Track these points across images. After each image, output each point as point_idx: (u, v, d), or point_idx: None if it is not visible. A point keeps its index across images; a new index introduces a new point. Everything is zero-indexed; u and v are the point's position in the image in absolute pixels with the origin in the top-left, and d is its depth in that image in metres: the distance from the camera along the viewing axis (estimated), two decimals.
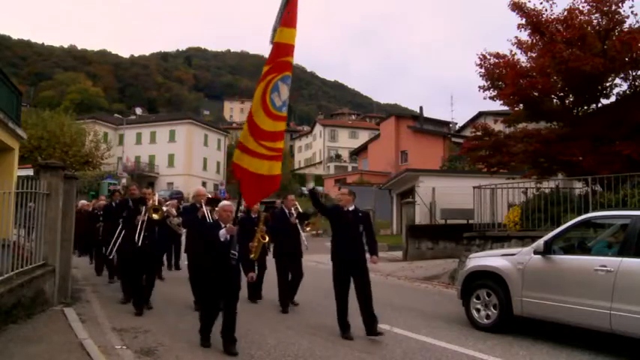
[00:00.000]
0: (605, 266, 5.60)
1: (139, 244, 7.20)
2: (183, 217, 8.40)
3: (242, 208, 10.70)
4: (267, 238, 8.09)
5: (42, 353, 5.09)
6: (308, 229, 8.03)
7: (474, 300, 6.97)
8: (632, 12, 11.13)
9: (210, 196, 8.49)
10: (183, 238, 10.93)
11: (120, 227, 8.07)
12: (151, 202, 7.49)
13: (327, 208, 6.97)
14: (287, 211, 8.13)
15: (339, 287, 6.29)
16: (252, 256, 7.76)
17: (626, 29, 11.04)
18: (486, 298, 6.82)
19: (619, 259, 5.57)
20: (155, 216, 7.30)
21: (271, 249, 8.67)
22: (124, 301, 7.87)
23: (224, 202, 5.79)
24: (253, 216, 8.31)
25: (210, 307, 5.56)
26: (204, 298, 5.50)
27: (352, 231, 6.38)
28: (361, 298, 6.21)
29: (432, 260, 15.12)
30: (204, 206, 7.72)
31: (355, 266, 6.29)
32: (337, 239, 6.53)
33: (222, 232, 5.37)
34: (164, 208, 7.85)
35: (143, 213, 7.37)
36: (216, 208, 5.44)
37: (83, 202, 14.12)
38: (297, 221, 8.04)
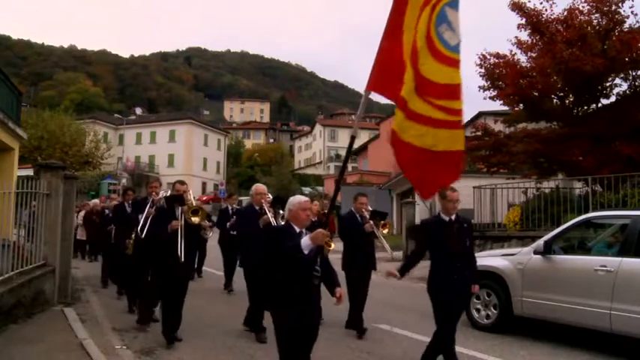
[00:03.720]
0: (605, 266, 5.60)
1: (182, 258, 5.54)
2: (237, 224, 6.94)
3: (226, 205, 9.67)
4: (332, 246, 6.56)
5: (42, 353, 5.09)
6: (385, 230, 6.52)
7: (474, 300, 6.97)
8: (632, 12, 11.17)
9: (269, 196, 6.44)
10: (212, 244, 10.12)
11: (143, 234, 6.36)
12: (189, 201, 5.83)
13: (426, 231, 5.05)
14: (358, 215, 6.50)
15: (448, 323, 4.86)
16: None
17: (626, 29, 11.07)
18: (486, 298, 6.82)
19: (619, 259, 5.57)
20: (195, 219, 5.66)
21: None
22: (142, 321, 6.36)
23: (299, 198, 3.91)
24: (312, 219, 7.03)
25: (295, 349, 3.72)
26: (288, 345, 3.68)
27: (460, 250, 4.77)
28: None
29: None
30: (267, 210, 5.97)
31: (461, 300, 4.87)
32: (438, 261, 4.82)
33: (306, 240, 3.48)
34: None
35: (180, 216, 5.68)
36: (288, 207, 3.82)
37: (95, 201, 13.26)
38: (373, 228, 6.37)
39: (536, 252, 6.36)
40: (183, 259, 5.53)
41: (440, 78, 3.38)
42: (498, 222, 11.31)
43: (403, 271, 4.99)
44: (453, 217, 4.83)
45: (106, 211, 10.61)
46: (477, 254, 8.14)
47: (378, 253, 6.90)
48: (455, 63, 3.44)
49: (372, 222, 6.38)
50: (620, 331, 5.46)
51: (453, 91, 3.44)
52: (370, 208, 6.64)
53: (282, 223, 5.30)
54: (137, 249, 6.79)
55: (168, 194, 6.33)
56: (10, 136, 11.62)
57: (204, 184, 55.80)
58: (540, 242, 6.37)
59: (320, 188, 43.40)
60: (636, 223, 5.68)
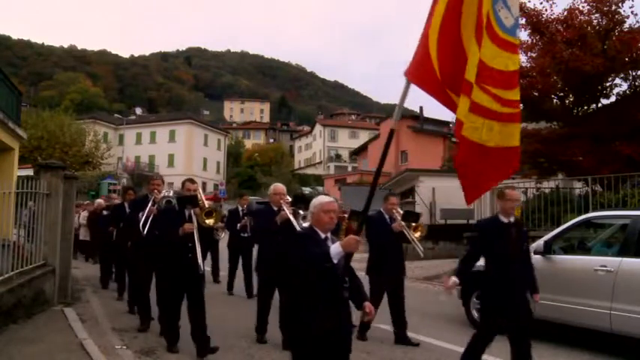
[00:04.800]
0: (605, 266, 5.60)
1: (202, 269, 5.19)
2: (256, 225, 6.51)
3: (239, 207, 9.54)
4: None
5: (42, 353, 5.09)
6: (417, 234, 6.14)
7: (474, 300, 6.97)
8: (632, 12, 11.17)
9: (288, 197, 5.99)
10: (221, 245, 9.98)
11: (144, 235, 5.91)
12: (201, 202, 5.35)
13: (482, 233, 4.63)
14: (387, 216, 6.19)
15: (483, 341, 4.59)
16: None
17: (626, 29, 11.07)
18: None
19: (619, 259, 5.57)
20: (209, 221, 5.24)
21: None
22: (143, 327, 6.18)
23: (321, 198, 3.42)
24: None
25: None
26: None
27: (517, 255, 4.35)
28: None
29: (432, 260, 15.12)
30: (287, 209, 5.61)
31: (518, 316, 4.36)
32: (494, 266, 4.42)
33: (336, 247, 3.09)
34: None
35: (189, 218, 5.24)
36: (310, 210, 3.39)
37: (99, 201, 12.69)
38: (403, 228, 6.04)
39: (536, 252, 6.34)
40: (202, 269, 5.13)
41: (496, 63, 2.95)
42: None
43: (461, 276, 4.60)
44: (512, 218, 4.45)
45: (104, 212, 10.22)
46: None
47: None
48: (510, 47, 3.03)
49: (402, 223, 6.03)
50: (620, 331, 5.46)
51: (508, 80, 3.01)
52: (401, 210, 6.32)
53: (303, 223, 5.02)
54: (136, 250, 6.45)
55: (170, 193, 6.05)
56: (10, 136, 11.63)
57: (204, 184, 55.71)
58: (540, 242, 6.36)
59: (320, 188, 43.38)
60: (636, 223, 5.68)
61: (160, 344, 5.55)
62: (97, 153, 41.78)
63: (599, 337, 5.80)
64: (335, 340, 3.18)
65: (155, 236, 5.68)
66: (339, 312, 3.20)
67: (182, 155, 55.83)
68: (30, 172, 13.50)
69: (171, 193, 6.05)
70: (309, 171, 66.03)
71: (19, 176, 9.55)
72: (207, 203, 5.43)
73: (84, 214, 13.92)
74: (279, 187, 5.97)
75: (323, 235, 3.29)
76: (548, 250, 6.23)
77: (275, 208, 5.76)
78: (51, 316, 6.70)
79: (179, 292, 5.24)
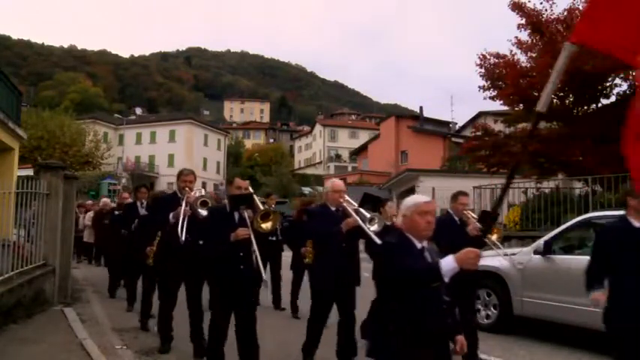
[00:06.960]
0: None
1: (269, 283, 4.45)
2: (308, 227, 5.54)
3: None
4: None
5: (42, 353, 5.09)
6: (494, 236, 5.34)
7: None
8: None
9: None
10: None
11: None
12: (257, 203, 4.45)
13: (606, 241, 3.97)
14: (457, 217, 5.20)
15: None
16: None
17: None
18: (486, 298, 6.82)
19: None
20: (266, 226, 4.32)
21: None
22: (164, 348, 5.30)
23: (415, 198, 2.86)
24: (387, 223, 5.10)
25: None
26: None
27: None
28: None
29: None
30: (352, 211, 4.71)
31: None
32: (626, 283, 3.58)
33: (449, 262, 2.46)
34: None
35: (240, 221, 4.38)
36: (402, 213, 2.79)
37: (105, 200, 12.04)
38: (478, 230, 4.90)
39: (536, 252, 6.36)
40: (268, 284, 4.27)
41: None
42: (498, 222, 11.32)
43: (590, 288, 3.91)
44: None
45: (116, 212, 9.09)
46: None
47: None
48: None
49: (478, 225, 4.98)
50: None
51: None
52: (473, 212, 5.41)
53: (371, 227, 4.48)
54: (167, 258, 5.31)
55: (203, 192, 5.29)
56: (10, 136, 11.64)
57: (204, 184, 55.70)
58: (540, 242, 6.37)
59: (320, 188, 43.38)
60: None
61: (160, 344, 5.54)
62: (97, 153, 41.78)
63: (600, 337, 5.80)
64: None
65: (193, 243, 4.80)
66: (442, 343, 2.65)
67: (182, 155, 55.77)
68: (30, 172, 13.47)
69: (203, 192, 5.33)
70: (309, 171, 65.96)
71: (19, 176, 9.55)
72: (260, 204, 4.49)
73: (89, 214, 13.28)
74: (337, 183, 5.05)
75: (419, 245, 2.71)
76: (548, 250, 6.24)
77: (333, 209, 4.90)
78: (51, 316, 6.70)
79: (228, 310, 4.45)
